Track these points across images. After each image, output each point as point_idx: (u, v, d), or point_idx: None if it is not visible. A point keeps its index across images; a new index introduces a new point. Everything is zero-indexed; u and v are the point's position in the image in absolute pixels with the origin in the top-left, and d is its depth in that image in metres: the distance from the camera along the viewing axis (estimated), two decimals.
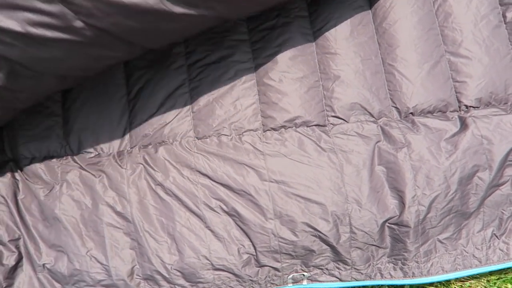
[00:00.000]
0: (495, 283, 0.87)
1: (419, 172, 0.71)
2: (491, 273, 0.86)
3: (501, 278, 0.87)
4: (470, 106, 0.77)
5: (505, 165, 0.72)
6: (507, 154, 0.71)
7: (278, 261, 0.73)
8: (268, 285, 0.73)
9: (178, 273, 0.71)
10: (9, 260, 0.69)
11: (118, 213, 0.72)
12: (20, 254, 0.70)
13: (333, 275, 0.74)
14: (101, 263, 0.70)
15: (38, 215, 0.73)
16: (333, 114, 0.77)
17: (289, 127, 0.76)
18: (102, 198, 0.72)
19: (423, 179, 0.71)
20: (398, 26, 0.80)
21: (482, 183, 0.71)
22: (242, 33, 0.80)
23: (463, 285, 0.87)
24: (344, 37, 0.80)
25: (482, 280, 0.87)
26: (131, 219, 0.71)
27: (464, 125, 0.73)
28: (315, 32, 0.80)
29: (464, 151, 0.71)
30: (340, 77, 0.78)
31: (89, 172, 0.75)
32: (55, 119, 0.78)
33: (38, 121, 0.77)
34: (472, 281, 0.88)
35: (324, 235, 0.71)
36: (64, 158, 0.78)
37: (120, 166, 0.75)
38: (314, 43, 0.80)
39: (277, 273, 0.73)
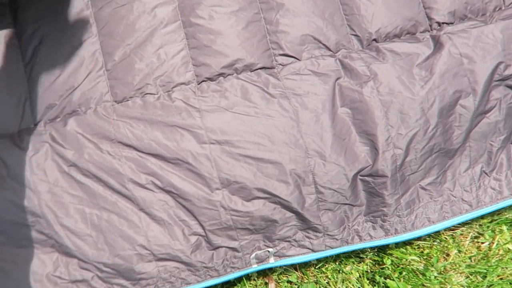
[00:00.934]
0: (488, 227, 0.78)
1: (391, 108, 0.58)
2: (482, 216, 0.76)
3: (495, 220, 0.78)
4: (443, 23, 0.64)
5: (490, 86, 0.60)
6: (493, 73, 0.59)
7: (235, 239, 0.60)
8: (228, 269, 0.61)
9: (112, 271, 0.57)
10: None
11: (26, 209, 0.56)
12: None
13: (303, 246, 0.62)
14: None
15: None
16: (280, 52, 0.63)
17: (229, 74, 0.61)
18: (3, 193, 0.56)
19: (397, 116, 0.58)
20: None
21: (466, 111, 0.59)
22: None
23: (454, 234, 0.77)
24: None
25: (474, 225, 0.78)
26: (41, 213, 0.56)
27: (438, 45, 0.60)
28: None
29: (441, 75, 0.58)
30: (284, 4, 0.63)
31: None
32: None
33: None
34: (464, 228, 0.78)
35: (285, 200, 0.58)
36: None
37: (21, 149, 0.58)
38: None
39: (236, 254, 0.60)
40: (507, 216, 0.78)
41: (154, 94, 0.61)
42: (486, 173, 0.64)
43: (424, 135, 0.59)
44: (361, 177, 0.60)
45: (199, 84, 0.62)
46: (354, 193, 0.60)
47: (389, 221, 0.63)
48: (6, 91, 0.63)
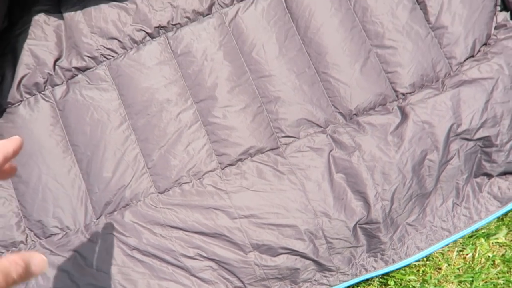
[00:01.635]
0: (469, 241, 0.95)
1: (375, 171, 0.75)
2: None
3: (474, 235, 0.95)
4: (407, 93, 0.81)
5: (449, 141, 0.77)
6: (448, 132, 0.76)
7: (268, 287, 0.76)
8: None
9: None
10: None
11: None
12: None
13: (322, 284, 0.79)
14: None
15: None
16: (283, 135, 0.80)
17: (245, 159, 0.79)
18: (81, 279, 0.73)
19: (380, 176, 0.75)
20: (322, 32, 0.82)
21: (433, 164, 0.76)
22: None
23: (442, 250, 0.93)
24: (273, 56, 0.82)
25: (458, 241, 0.95)
26: None
27: (404, 115, 0.78)
28: (246, 58, 0.82)
29: (410, 140, 0.75)
30: (280, 97, 0.80)
31: (60, 255, 0.75)
32: (13, 210, 0.77)
33: None
34: (450, 244, 0.95)
35: (303, 253, 0.75)
36: (32, 246, 0.77)
37: (90, 240, 0.75)
38: (247, 70, 0.81)
39: None
40: (483, 231, 0.95)
41: (189, 183, 0.78)
42: (457, 204, 0.81)
43: (403, 187, 0.76)
44: (359, 226, 0.77)
45: (222, 170, 0.79)
46: (356, 238, 0.77)
47: (386, 254, 0.80)
48: (69, 195, 0.79)
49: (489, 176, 0.82)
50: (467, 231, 0.82)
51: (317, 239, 0.76)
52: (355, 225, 0.76)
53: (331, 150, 0.79)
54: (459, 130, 0.77)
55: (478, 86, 0.78)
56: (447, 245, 0.86)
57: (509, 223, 0.94)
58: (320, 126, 0.81)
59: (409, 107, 0.79)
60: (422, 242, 0.81)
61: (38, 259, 0.33)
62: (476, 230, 0.93)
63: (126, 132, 0.81)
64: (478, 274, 0.91)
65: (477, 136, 0.78)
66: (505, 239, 0.93)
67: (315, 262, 0.77)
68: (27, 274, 0.31)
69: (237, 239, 0.74)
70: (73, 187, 0.80)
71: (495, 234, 0.93)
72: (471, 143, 0.78)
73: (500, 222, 0.94)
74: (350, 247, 0.78)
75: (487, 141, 0.78)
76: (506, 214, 0.93)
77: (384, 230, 0.78)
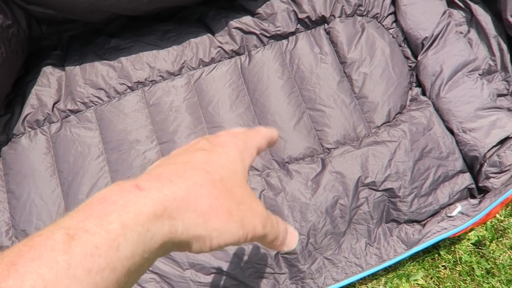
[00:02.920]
0: (392, 280, 1.09)
1: (294, 210, 0.93)
2: (388, 271, 1.08)
3: (396, 274, 1.09)
4: (331, 148, 1.00)
5: (358, 190, 0.94)
6: (357, 182, 0.94)
7: None
8: None
9: None
10: None
11: None
12: None
13: None
14: None
15: None
16: None
17: None
18: None
19: (298, 214, 0.93)
20: (266, 95, 1.03)
21: (344, 207, 0.94)
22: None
23: (367, 286, 1.08)
24: (225, 111, 1.03)
25: (381, 279, 1.09)
26: None
27: (323, 166, 0.96)
28: (203, 111, 1.03)
29: (324, 186, 0.94)
30: None
31: None
32: (4, 219, 0.97)
33: None
34: (374, 281, 1.10)
35: (231, 273, 0.92)
36: None
37: None
38: (203, 121, 1.02)
39: None
40: (402, 271, 1.10)
41: None
42: (369, 244, 0.97)
43: (318, 225, 0.93)
44: (281, 255, 0.93)
45: None
46: (279, 265, 0.94)
47: (306, 282, 0.95)
48: (51, 212, 0.99)
49: (398, 222, 0.98)
50: (377, 268, 0.97)
51: (244, 263, 0.92)
52: (276, 254, 0.93)
53: (263, 190, 0.97)
54: (366, 181, 0.95)
55: (384, 147, 0.96)
56: (360, 279, 1.01)
57: (427, 266, 1.09)
58: (258, 170, 1.00)
59: (328, 160, 0.97)
60: (338, 274, 0.96)
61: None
62: (396, 271, 1.09)
63: (101, 163, 1.01)
64: None
65: (382, 187, 0.95)
66: (424, 280, 1.08)
67: (242, 283, 0.93)
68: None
69: (177, 257, 0.92)
70: (54, 204, 1.00)
71: (414, 275, 1.08)
72: (379, 193, 0.96)
73: (419, 265, 1.09)
74: (274, 273, 0.94)
75: (391, 193, 0.96)
76: (423, 257, 1.08)
77: (302, 261, 0.94)
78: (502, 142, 0.96)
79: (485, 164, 0.96)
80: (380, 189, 0.96)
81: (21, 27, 1.00)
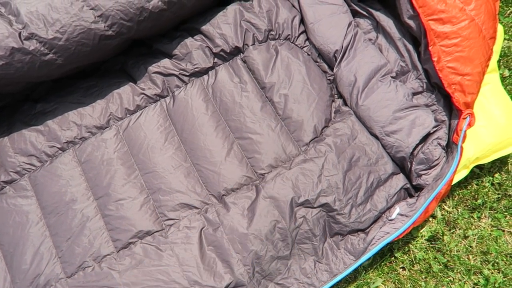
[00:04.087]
0: None
1: (234, 242, 0.94)
2: (348, 282, 1.08)
3: (357, 284, 1.09)
4: (265, 173, 1.01)
5: (294, 211, 0.96)
6: (291, 203, 0.96)
7: None
8: None
9: None
10: None
11: None
12: None
13: None
14: None
15: None
16: (166, 218, 1.00)
17: (136, 241, 0.98)
18: None
19: (238, 246, 0.94)
20: (194, 132, 1.05)
21: (283, 230, 0.95)
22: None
23: None
24: (157, 155, 1.04)
25: None
26: None
27: (257, 192, 0.97)
28: (135, 159, 1.04)
29: (260, 214, 0.95)
30: (161, 188, 1.01)
31: None
32: None
33: None
34: None
35: None
36: None
37: None
38: (136, 168, 1.03)
39: None
40: (361, 282, 1.10)
41: (90, 266, 0.97)
42: (318, 261, 0.98)
43: (260, 252, 0.94)
44: None
45: (117, 252, 0.98)
46: None
47: None
48: None
49: (342, 234, 0.99)
50: (331, 283, 0.97)
51: None
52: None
53: (203, 228, 0.98)
54: (300, 200, 0.96)
55: (312, 164, 0.98)
56: None
57: (385, 270, 1.09)
58: (197, 208, 1.01)
59: (261, 186, 0.99)
60: None
61: None
62: (356, 281, 1.09)
63: (41, 229, 1.01)
64: None
65: (317, 203, 0.97)
66: (385, 286, 1.08)
67: None
68: None
69: None
70: (1, 280, 0.99)
71: (374, 282, 1.08)
72: (315, 210, 0.97)
73: (378, 271, 1.09)
74: None
75: (328, 207, 0.97)
76: (380, 262, 1.09)
77: None
78: (424, 139, 0.98)
79: (414, 162, 0.98)
80: (315, 205, 0.97)
81: None
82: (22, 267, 0.99)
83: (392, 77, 1.02)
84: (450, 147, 0.97)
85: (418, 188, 1.02)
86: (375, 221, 1.00)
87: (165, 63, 1.11)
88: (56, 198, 1.03)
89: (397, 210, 0.98)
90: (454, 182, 0.99)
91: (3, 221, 1.03)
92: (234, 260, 0.94)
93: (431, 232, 1.13)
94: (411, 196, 1.02)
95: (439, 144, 0.97)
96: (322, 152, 0.99)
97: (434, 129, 0.98)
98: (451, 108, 1.00)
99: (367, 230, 0.99)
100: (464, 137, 0.94)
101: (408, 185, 1.01)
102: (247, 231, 0.95)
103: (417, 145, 0.98)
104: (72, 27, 0.93)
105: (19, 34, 0.91)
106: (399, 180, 1.01)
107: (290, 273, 0.97)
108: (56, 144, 1.07)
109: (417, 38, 1.02)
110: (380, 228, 0.98)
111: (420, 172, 0.98)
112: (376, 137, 1.01)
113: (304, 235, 0.97)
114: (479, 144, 1.02)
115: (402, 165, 1.01)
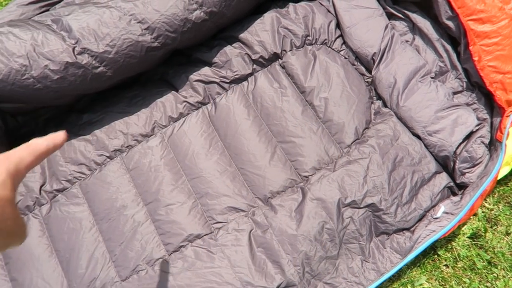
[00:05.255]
0: None
1: (284, 243, 0.96)
2: (392, 281, 1.10)
3: (401, 282, 1.10)
4: (309, 175, 1.04)
5: (341, 212, 0.98)
6: (338, 204, 0.98)
7: None
8: None
9: None
10: None
11: None
12: None
13: None
14: None
15: None
16: (214, 222, 1.03)
17: (186, 245, 1.01)
18: None
19: (288, 247, 0.96)
20: (237, 137, 1.08)
21: (331, 231, 0.97)
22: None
23: None
24: (202, 161, 1.07)
25: None
26: None
27: (303, 194, 0.99)
28: (182, 165, 1.07)
29: (308, 216, 0.97)
30: (208, 192, 1.04)
31: None
32: None
33: None
34: None
35: None
36: None
37: None
38: (183, 174, 1.06)
39: None
40: (406, 279, 1.11)
41: (144, 270, 1.00)
42: (365, 261, 0.99)
43: (310, 253, 0.96)
44: None
45: (169, 255, 1.01)
46: None
47: None
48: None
49: (387, 234, 1.01)
50: (379, 282, 0.99)
51: None
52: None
53: (251, 230, 1.00)
54: (347, 201, 0.98)
55: (357, 165, 1.00)
56: None
57: (429, 268, 1.10)
58: (244, 211, 1.04)
59: (307, 188, 1.01)
60: None
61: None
62: (400, 279, 1.10)
63: (94, 234, 1.05)
64: None
65: (364, 204, 0.98)
66: (429, 283, 1.09)
67: None
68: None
69: None
70: (57, 283, 1.03)
71: (418, 280, 1.09)
72: (361, 210, 0.99)
73: (421, 269, 1.11)
74: None
75: (374, 207, 0.99)
76: (423, 261, 1.10)
77: None
78: (467, 137, 1.00)
79: (457, 161, 1.00)
80: (362, 206, 0.99)
81: None
82: (78, 271, 1.03)
83: (431, 77, 1.04)
84: (493, 144, 0.98)
85: (461, 186, 1.03)
86: (419, 220, 1.01)
87: (205, 71, 1.14)
88: (107, 205, 1.07)
89: (442, 208, 0.99)
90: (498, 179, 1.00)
91: (58, 228, 1.07)
92: (284, 260, 0.96)
93: (472, 230, 1.14)
94: (454, 194, 1.03)
95: (483, 142, 0.98)
96: (366, 153, 1.01)
97: (477, 127, 0.99)
98: (492, 106, 1.01)
99: (413, 228, 1.01)
100: (508, 134, 0.95)
101: (452, 184, 1.02)
102: (296, 232, 0.97)
103: (460, 144, 0.99)
104: (121, 41, 0.97)
105: (73, 49, 0.94)
106: (443, 179, 1.02)
107: (338, 273, 0.99)
108: (105, 153, 1.11)
109: (455, 39, 1.03)
110: (426, 226, 0.99)
111: (464, 170, 0.99)
112: (418, 137, 1.02)
113: (351, 235, 0.99)
114: None
115: (445, 164, 1.03)
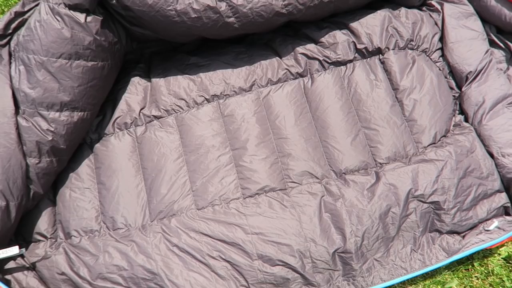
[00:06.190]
0: (429, 286, 1.21)
1: (352, 214, 1.06)
2: (425, 277, 1.20)
3: (433, 280, 1.21)
4: (383, 163, 1.14)
5: (408, 201, 1.08)
6: (407, 194, 1.07)
7: None
8: None
9: None
10: None
11: (148, 270, 1.04)
12: None
13: None
14: None
15: (88, 277, 1.04)
16: (290, 181, 1.13)
17: (261, 193, 1.12)
18: (135, 260, 1.05)
19: (355, 219, 1.06)
20: (326, 113, 1.18)
21: (395, 215, 1.07)
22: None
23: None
24: (290, 125, 1.18)
25: (419, 285, 1.21)
26: (157, 273, 1.04)
27: (378, 178, 1.10)
28: (271, 124, 1.18)
29: (379, 195, 1.07)
30: (291, 154, 1.15)
31: (122, 243, 1.08)
32: (94, 207, 1.12)
33: (83, 209, 1.11)
34: (413, 286, 1.21)
35: (294, 267, 1.04)
36: (103, 234, 1.10)
37: (145, 235, 1.08)
38: (271, 132, 1.17)
39: None
40: (439, 279, 1.21)
41: (219, 205, 1.11)
42: (414, 251, 1.10)
43: (372, 229, 1.06)
44: (337, 253, 1.06)
45: (244, 199, 1.12)
46: (334, 263, 1.06)
47: (357, 280, 1.08)
48: (134, 204, 1.13)
49: (440, 232, 1.11)
50: (420, 272, 1.09)
51: (305, 258, 1.05)
52: (334, 252, 1.06)
53: (323, 196, 1.11)
54: (416, 193, 1.08)
55: (432, 165, 1.10)
56: (404, 281, 1.13)
57: (461, 276, 1.20)
58: (318, 178, 1.14)
59: (382, 173, 1.11)
60: (385, 275, 1.09)
61: None
62: (433, 278, 1.20)
63: (180, 164, 1.16)
64: None
65: (430, 200, 1.08)
66: None
67: (302, 276, 1.06)
68: None
69: (248, 249, 1.05)
70: (138, 197, 1.14)
71: (449, 283, 1.20)
72: (426, 205, 1.09)
73: (454, 275, 1.21)
74: (329, 269, 1.07)
75: (437, 205, 1.09)
76: (457, 267, 1.20)
77: (355, 260, 1.06)
78: None
79: None
80: (427, 201, 1.09)
81: (122, 43, 1.16)
82: (160, 191, 1.14)
83: None
84: None
85: None
86: (472, 228, 1.11)
87: (310, 47, 1.24)
88: (198, 140, 1.17)
89: (495, 223, 1.09)
90: None
91: (150, 150, 1.18)
92: (348, 229, 1.06)
93: (508, 253, 1.24)
94: (507, 214, 1.13)
95: None
96: (442, 157, 1.10)
97: None
98: None
99: (463, 234, 1.11)
100: None
101: (509, 204, 1.12)
102: (365, 208, 1.07)
103: None
104: None
105: None
106: (502, 198, 1.12)
107: (388, 254, 1.09)
108: (205, 95, 1.21)
109: None
110: (477, 235, 1.09)
111: None
112: (492, 156, 1.12)
113: (410, 224, 1.09)
114: None
115: (508, 186, 1.12)
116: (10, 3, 1.52)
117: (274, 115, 1.20)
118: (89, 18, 1.01)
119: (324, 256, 1.06)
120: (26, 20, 1.04)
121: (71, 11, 0.98)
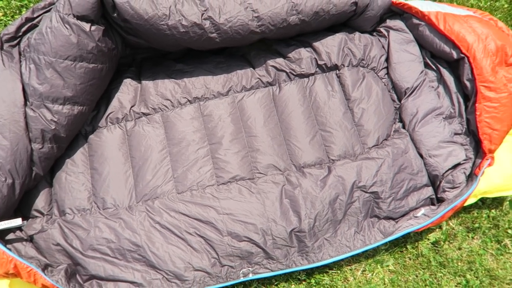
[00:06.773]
0: (370, 264, 1.44)
1: (307, 200, 1.29)
2: (367, 257, 1.43)
3: (374, 260, 1.44)
4: (335, 160, 1.37)
5: (353, 190, 1.31)
6: (352, 184, 1.31)
7: (232, 262, 1.25)
8: (228, 279, 1.25)
9: (172, 275, 1.22)
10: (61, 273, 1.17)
11: (133, 242, 1.23)
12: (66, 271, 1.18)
13: (266, 268, 1.28)
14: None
15: (80, 248, 1.22)
16: (257, 172, 1.34)
17: (233, 182, 1.32)
18: (122, 234, 1.23)
19: (309, 204, 1.28)
20: (290, 117, 1.41)
21: (342, 202, 1.30)
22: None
23: (351, 268, 1.42)
24: (260, 125, 1.39)
25: (362, 263, 1.44)
26: (141, 245, 1.22)
27: (329, 171, 1.33)
28: (243, 124, 1.39)
29: (329, 185, 1.30)
30: (259, 149, 1.36)
31: (111, 220, 1.25)
32: (87, 189, 1.29)
33: (77, 191, 1.28)
34: (356, 264, 1.44)
35: (257, 242, 1.25)
36: (94, 213, 1.28)
37: (131, 214, 1.26)
38: (243, 130, 1.38)
39: (232, 270, 1.25)
40: (378, 258, 1.45)
41: (196, 190, 1.31)
42: (357, 232, 1.33)
43: (322, 212, 1.28)
44: (294, 232, 1.28)
45: (218, 186, 1.32)
46: (291, 240, 1.28)
47: (309, 255, 1.30)
48: (123, 187, 1.32)
49: (378, 217, 1.35)
50: (361, 250, 1.32)
51: (267, 235, 1.26)
52: (291, 231, 1.27)
53: (284, 185, 1.32)
54: (359, 184, 1.32)
55: (374, 162, 1.34)
56: (348, 257, 1.36)
57: (396, 256, 1.44)
58: (281, 170, 1.36)
59: (333, 167, 1.34)
60: (332, 252, 1.31)
61: None
62: (373, 257, 1.44)
63: (164, 154, 1.35)
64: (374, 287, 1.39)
65: (370, 190, 1.32)
66: (393, 266, 1.43)
67: (264, 250, 1.27)
68: None
69: (219, 226, 1.25)
70: (126, 182, 1.32)
71: (386, 262, 1.43)
72: (367, 194, 1.32)
73: (391, 255, 1.44)
74: (287, 245, 1.28)
75: (376, 195, 1.32)
76: (394, 249, 1.43)
77: (308, 238, 1.28)
78: (455, 166, 1.35)
79: (443, 181, 1.35)
80: (368, 191, 1.32)
81: (118, 49, 1.35)
82: (146, 177, 1.33)
83: (443, 117, 1.39)
84: (471, 177, 1.33)
85: (439, 200, 1.38)
86: (404, 215, 1.35)
87: (279, 61, 1.46)
88: (181, 135, 1.37)
89: (422, 211, 1.34)
90: (464, 205, 1.35)
91: (138, 141, 1.36)
92: (303, 212, 1.28)
93: (435, 238, 1.49)
94: (433, 204, 1.38)
95: (464, 173, 1.33)
96: (382, 156, 1.35)
97: (464, 161, 1.34)
98: (478, 150, 1.37)
99: (397, 219, 1.35)
100: (483, 173, 1.30)
101: (433, 196, 1.37)
102: (318, 195, 1.30)
103: (448, 169, 1.34)
104: (236, 19, 1.28)
105: (202, 14, 1.25)
106: (428, 191, 1.37)
107: (335, 234, 1.32)
108: (188, 97, 1.41)
109: (467, 95, 1.39)
110: (407, 220, 1.33)
111: (446, 189, 1.34)
112: (421, 156, 1.37)
113: (354, 210, 1.32)
114: (489, 182, 1.38)
115: (433, 181, 1.37)
116: (12, 5, 1.67)
117: (246, 116, 1.41)
118: (93, 27, 1.19)
119: (283, 234, 1.27)
120: (35, 25, 1.22)
121: (79, 20, 1.16)
